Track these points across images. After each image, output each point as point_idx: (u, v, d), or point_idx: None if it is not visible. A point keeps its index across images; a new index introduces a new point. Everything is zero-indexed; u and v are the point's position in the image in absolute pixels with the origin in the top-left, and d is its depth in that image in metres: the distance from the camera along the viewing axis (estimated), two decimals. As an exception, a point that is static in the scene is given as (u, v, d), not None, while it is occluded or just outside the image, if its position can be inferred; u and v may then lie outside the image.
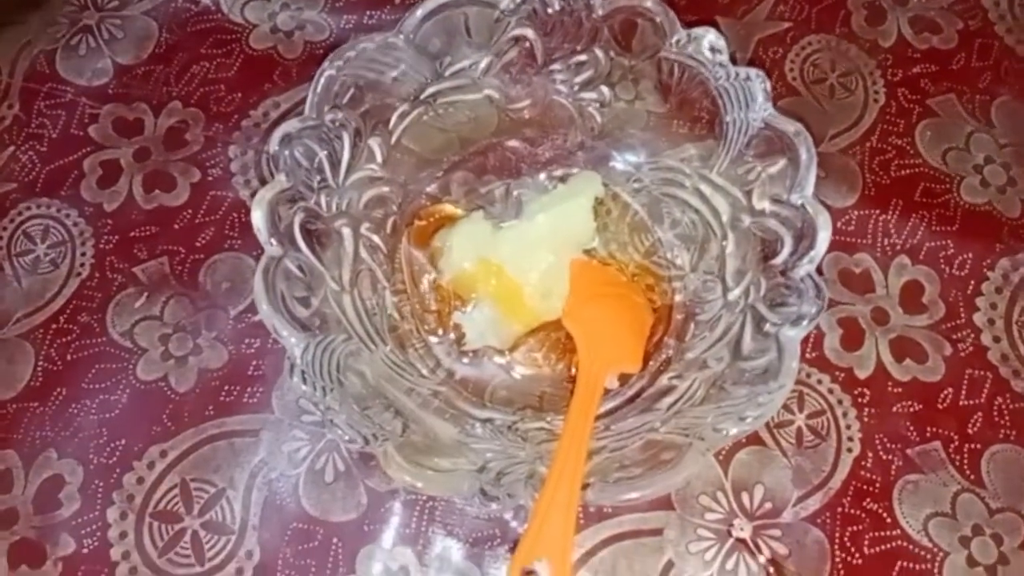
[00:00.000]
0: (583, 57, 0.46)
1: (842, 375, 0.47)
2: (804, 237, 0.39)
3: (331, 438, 0.45)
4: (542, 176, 0.50)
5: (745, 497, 0.44)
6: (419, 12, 0.42)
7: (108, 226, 0.50)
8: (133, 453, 0.45)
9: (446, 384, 0.45)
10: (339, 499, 0.44)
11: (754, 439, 0.45)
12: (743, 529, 0.44)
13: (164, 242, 0.50)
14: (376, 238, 0.45)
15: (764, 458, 0.45)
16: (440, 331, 0.46)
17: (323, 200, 0.41)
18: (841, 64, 0.55)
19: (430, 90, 0.45)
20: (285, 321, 0.36)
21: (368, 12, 0.56)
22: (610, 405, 0.43)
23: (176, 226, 0.50)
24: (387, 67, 0.43)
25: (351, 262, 0.43)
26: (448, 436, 0.40)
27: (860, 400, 0.46)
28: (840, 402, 0.46)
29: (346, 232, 0.43)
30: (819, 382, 0.47)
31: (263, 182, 0.51)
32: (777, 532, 0.44)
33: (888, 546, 0.44)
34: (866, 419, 0.46)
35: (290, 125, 0.39)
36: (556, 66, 0.46)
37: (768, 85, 0.40)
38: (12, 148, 0.52)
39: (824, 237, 0.38)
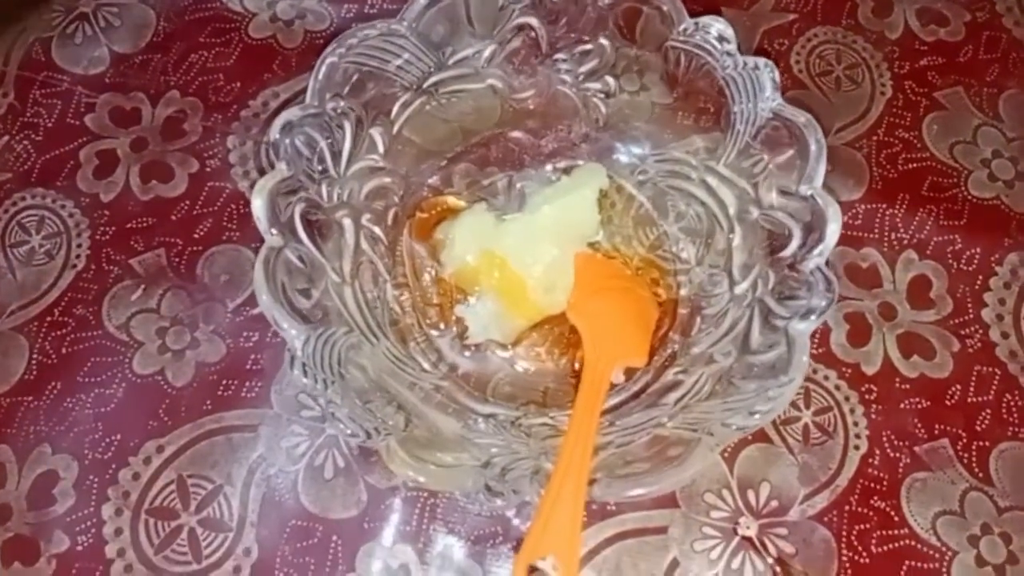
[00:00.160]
0: (588, 46, 0.45)
1: (849, 371, 0.46)
2: (813, 229, 0.38)
3: (331, 434, 0.44)
4: (546, 168, 0.49)
5: (751, 495, 0.44)
6: (422, 0, 0.41)
7: (104, 217, 0.50)
8: (129, 448, 0.44)
9: (448, 378, 0.44)
10: (339, 496, 0.43)
11: (760, 436, 0.45)
12: (749, 527, 0.43)
13: (161, 234, 0.49)
14: (377, 229, 0.45)
15: (770, 455, 0.44)
16: (442, 325, 0.46)
17: (324, 190, 0.41)
18: (847, 56, 0.55)
19: (433, 79, 0.44)
20: (286, 313, 0.36)
21: (369, 1, 0.56)
22: (615, 400, 0.43)
23: (173, 217, 0.50)
24: (390, 55, 0.42)
25: (352, 254, 0.43)
26: (451, 431, 0.40)
27: (867, 397, 0.46)
28: (847, 399, 0.46)
29: (347, 223, 0.43)
30: (826, 378, 0.46)
31: (262, 173, 0.50)
32: (783, 530, 0.43)
33: (896, 545, 0.43)
34: (873, 416, 0.45)
35: (291, 113, 0.39)
36: (560, 55, 0.46)
37: (776, 75, 0.40)
38: (7, 137, 0.52)
39: (834, 229, 0.37)
